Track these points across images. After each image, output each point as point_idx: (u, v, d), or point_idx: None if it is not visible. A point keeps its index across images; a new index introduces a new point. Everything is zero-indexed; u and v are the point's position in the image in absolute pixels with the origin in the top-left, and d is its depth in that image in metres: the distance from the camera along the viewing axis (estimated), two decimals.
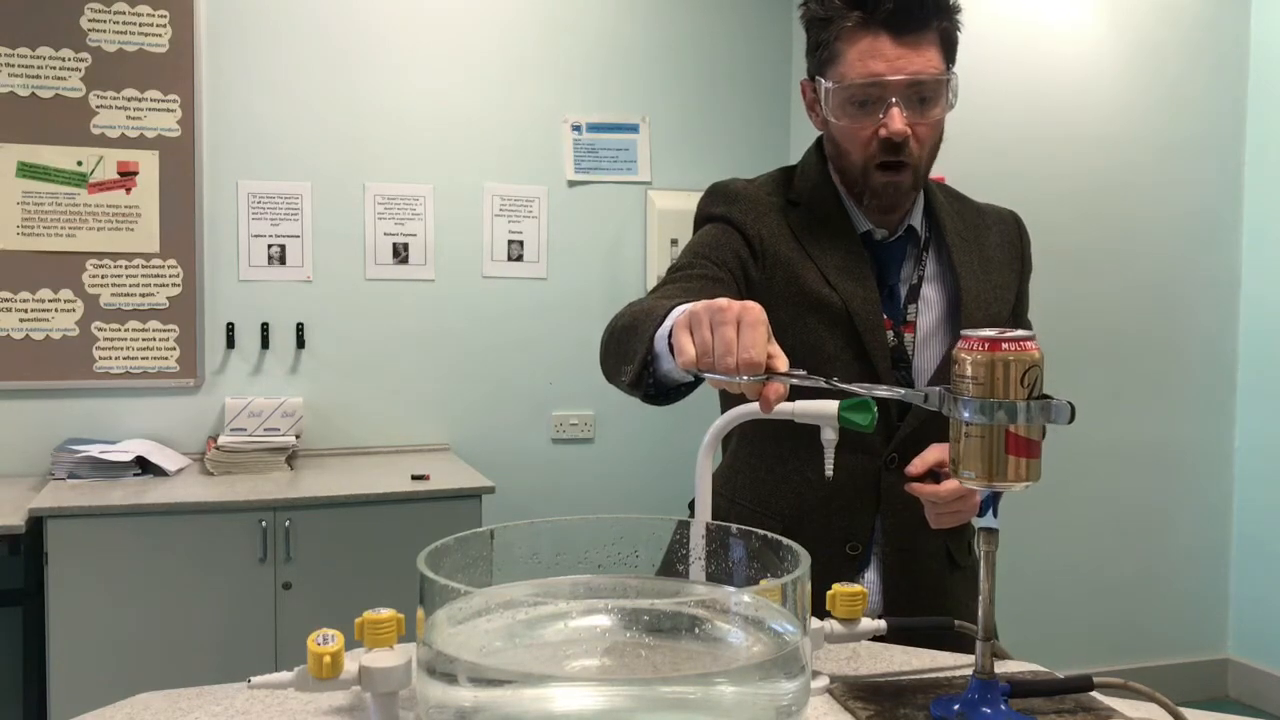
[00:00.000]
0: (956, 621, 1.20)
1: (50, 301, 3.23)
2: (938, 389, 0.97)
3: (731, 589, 0.97)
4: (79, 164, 3.23)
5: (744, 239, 1.45)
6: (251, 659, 2.81)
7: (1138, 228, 3.77)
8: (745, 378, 0.98)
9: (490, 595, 0.91)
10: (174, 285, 3.32)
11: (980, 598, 1.01)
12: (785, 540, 0.91)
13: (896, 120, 1.37)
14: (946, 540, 1.51)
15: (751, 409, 1.34)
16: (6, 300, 3.20)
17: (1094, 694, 1.07)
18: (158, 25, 3.29)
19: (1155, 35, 3.74)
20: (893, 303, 1.47)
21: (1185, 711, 1.02)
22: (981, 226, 1.57)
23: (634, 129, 3.76)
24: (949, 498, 1.33)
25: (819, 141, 1.53)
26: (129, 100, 3.27)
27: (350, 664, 0.97)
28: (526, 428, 3.70)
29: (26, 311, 3.21)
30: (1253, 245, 3.85)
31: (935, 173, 1.53)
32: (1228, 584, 3.92)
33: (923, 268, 1.50)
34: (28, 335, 3.21)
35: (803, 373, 1.00)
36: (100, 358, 3.27)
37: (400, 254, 3.55)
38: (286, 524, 2.85)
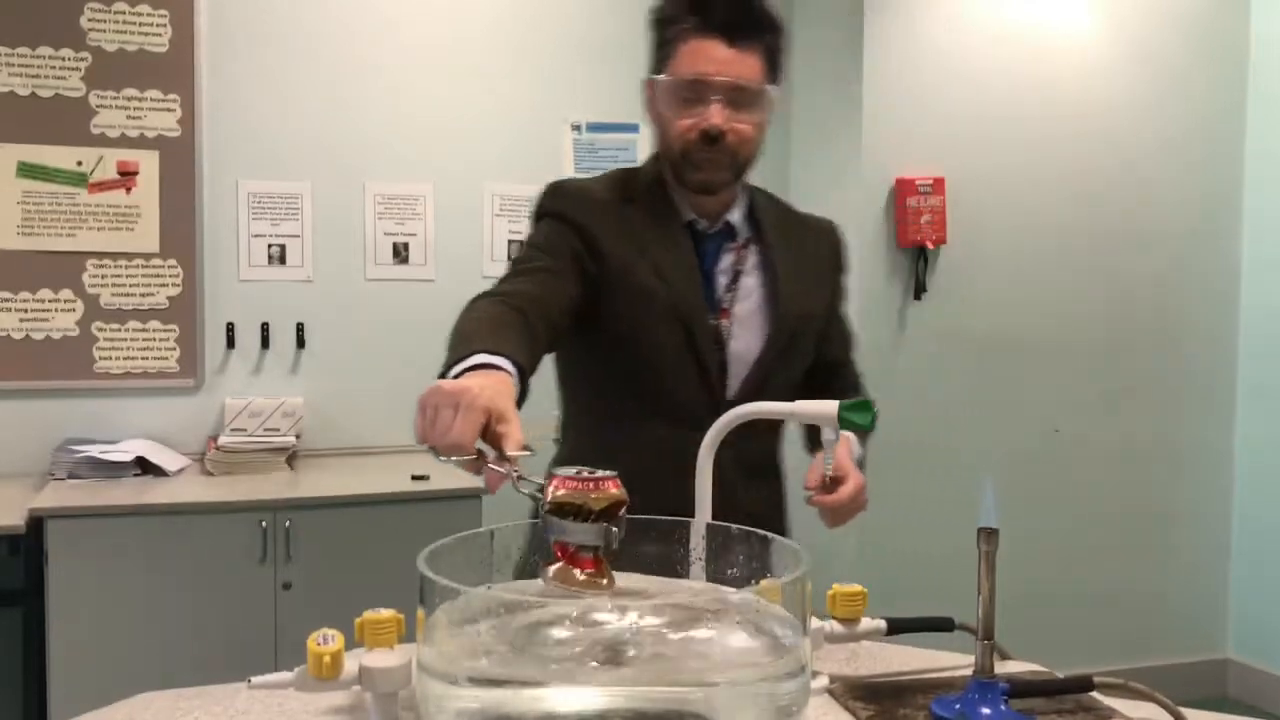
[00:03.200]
0: (957, 621, 1.21)
1: (50, 301, 3.23)
2: None
3: (732, 589, 0.97)
4: (79, 164, 3.23)
5: (578, 235, 1.56)
6: (251, 659, 2.81)
7: (1138, 227, 3.76)
8: (453, 459, 1.03)
9: (490, 596, 0.91)
10: (174, 285, 3.32)
11: (980, 597, 1.01)
12: (785, 540, 0.92)
13: (715, 115, 1.51)
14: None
15: (751, 409, 1.35)
16: (6, 300, 3.20)
17: (1094, 694, 1.07)
18: (158, 25, 3.29)
19: (1155, 34, 3.74)
20: (711, 289, 1.60)
21: (1185, 711, 1.02)
22: (801, 229, 1.71)
23: (634, 129, 3.76)
24: (849, 501, 1.42)
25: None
26: (129, 100, 3.27)
27: (350, 664, 0.97)
28: (526, 428, 3.69)
29: (26, 311, 3.21)
30: (1253, 245, 3.85)
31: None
32: (1228, 584, 3.92)
33: (742, 261, 1.63)
34: (28, 335, 3.21)
35: (522, 453, 1.07)
36: (100, 358, 3.27)
37: (400, 254, 3.55)
38: (287, 524, 2.85)
